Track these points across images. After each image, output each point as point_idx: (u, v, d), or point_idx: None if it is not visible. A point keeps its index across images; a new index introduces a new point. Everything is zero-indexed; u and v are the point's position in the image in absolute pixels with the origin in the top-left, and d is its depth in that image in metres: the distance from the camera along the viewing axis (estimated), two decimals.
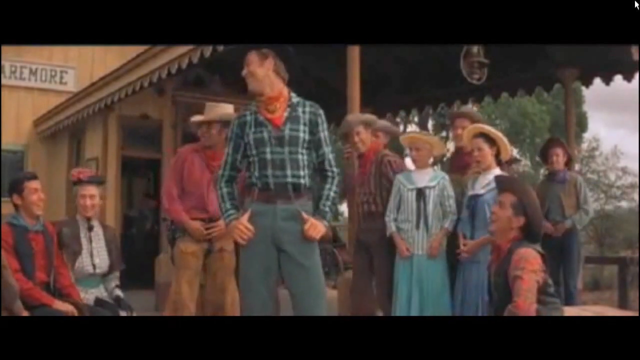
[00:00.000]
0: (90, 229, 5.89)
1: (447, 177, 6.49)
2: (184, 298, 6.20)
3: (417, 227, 6.34)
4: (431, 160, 6.70)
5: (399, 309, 6.28)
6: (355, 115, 7.00)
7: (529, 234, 4.91)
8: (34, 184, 5.45)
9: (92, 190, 5.92)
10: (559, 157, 8.33)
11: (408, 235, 6.37)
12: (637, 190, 29.91)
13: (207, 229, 6.26)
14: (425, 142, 6.55)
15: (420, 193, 6.36)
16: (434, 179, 6.45)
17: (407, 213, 6.38)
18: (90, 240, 5.85)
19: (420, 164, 6.54)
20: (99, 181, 6.33)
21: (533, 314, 4.57)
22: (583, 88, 12.35)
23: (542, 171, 28.30)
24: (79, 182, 5.95)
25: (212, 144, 6.37)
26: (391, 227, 6.44)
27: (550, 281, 4.91)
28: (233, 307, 6.36)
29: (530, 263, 4.66)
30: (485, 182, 6.07)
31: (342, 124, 6.90)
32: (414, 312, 6.20)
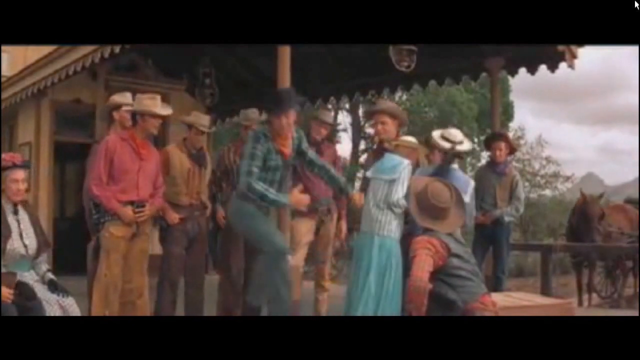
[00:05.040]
0: (15, 212, 5.88)
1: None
2: (115, 280, 6.43)
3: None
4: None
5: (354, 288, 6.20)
6: None
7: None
8: None
9: (22, 174, 5.92)
10: (501, 152, 8.66)
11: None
12: (560, 179, 30.69)
13: (136, 213, 6.50)
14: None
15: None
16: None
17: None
18: (17, 222, 5.84)
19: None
20: (28, 165, 6.34)
21: (427, 282, 4.96)
22: (510, 78, 12.52)
23: (469, 160, 28.81)
24: (12, 166, 5.88)
25: (147, 134, 6.72)
26: None
27: (459, 264, 5.29)
28: (146, 291, 6.74)
29: (419, 243, 5.20)
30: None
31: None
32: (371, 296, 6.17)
